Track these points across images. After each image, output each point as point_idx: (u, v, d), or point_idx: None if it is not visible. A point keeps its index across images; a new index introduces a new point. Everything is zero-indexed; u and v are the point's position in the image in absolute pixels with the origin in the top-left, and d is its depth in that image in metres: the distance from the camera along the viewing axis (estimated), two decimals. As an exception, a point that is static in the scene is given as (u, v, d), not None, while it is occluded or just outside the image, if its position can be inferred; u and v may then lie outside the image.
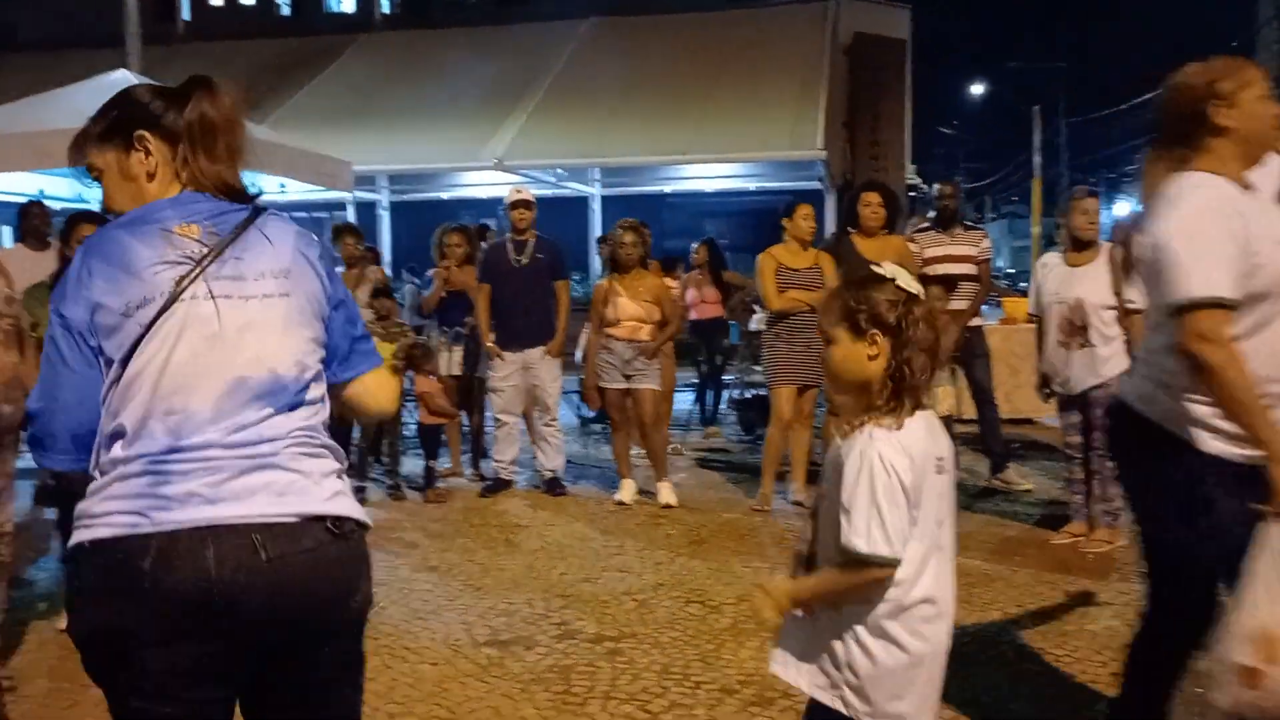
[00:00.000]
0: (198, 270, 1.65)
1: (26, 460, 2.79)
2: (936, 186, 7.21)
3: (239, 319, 1.66)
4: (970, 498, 6.06)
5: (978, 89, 32.29)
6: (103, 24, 13.73)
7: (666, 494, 6.18)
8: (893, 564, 1.85)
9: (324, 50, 15.50)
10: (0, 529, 3.38)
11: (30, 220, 5.85)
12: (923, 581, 1.91)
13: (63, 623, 4.12)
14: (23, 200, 6.62)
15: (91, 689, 3.51)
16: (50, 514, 5.11)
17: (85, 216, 4.16)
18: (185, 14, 18.27)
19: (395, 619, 4.32)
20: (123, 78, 8.23)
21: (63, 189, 9.30)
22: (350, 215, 13.18)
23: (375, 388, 1.94)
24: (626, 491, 6.27)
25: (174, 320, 1.62)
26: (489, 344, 6.49)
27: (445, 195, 14.69)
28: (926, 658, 1.93)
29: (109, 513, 1.56)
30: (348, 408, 1.95)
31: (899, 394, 1.89)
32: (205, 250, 1.67)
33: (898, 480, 1.83)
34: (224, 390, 1.63)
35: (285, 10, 26.97)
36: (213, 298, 1.65)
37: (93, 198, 9.52)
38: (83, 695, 3.52)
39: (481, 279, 6.60)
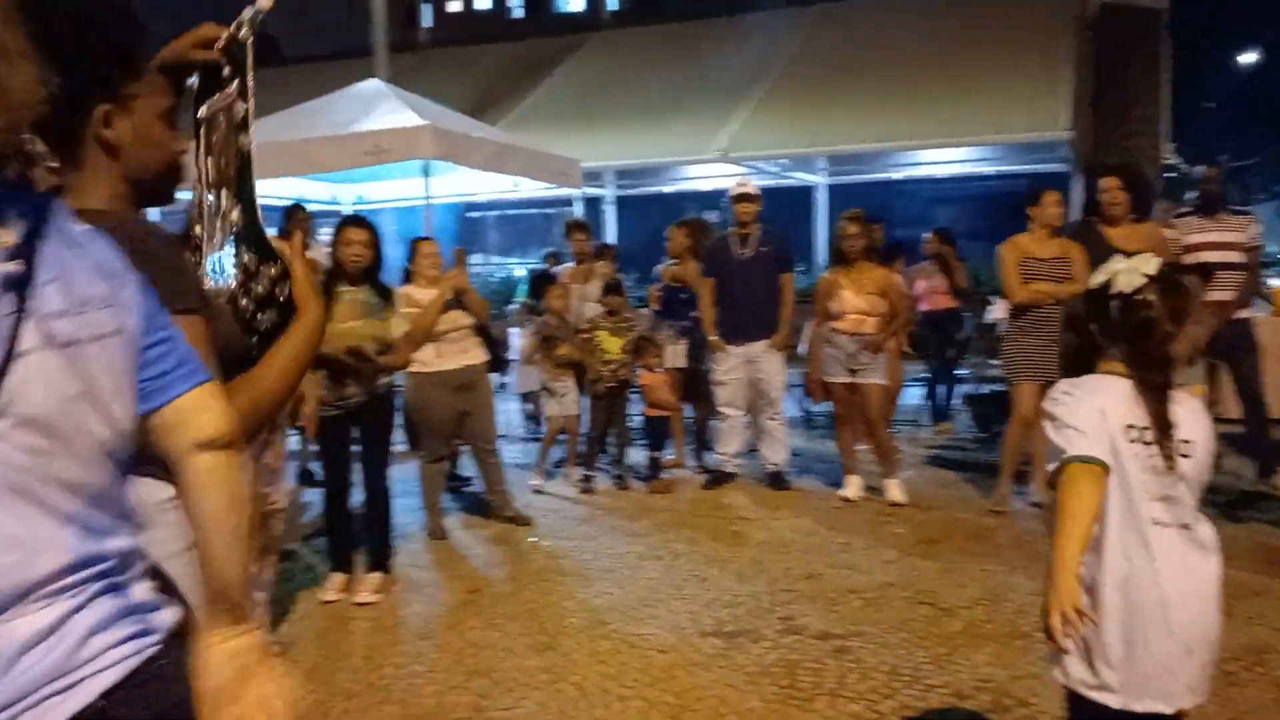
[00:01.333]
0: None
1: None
2: (1199, 169, 6.64)
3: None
4: (1234, 504, 5.57)
5: (1248, 58, 29.48)
6: (354, 36, 14.78)
7: (895, 491, 6.02)
8: None
9: (555, 52, 16.02)
10: (274, 506, 3.70)
11: (295, 222, 6.36)
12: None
13: (326, 594, 4.50)
14: (286, 204, 7.21)
15: (352, 656, 3.77)
16: (313, 494, 5.56)
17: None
18: (428, 21, 19.35)
19: (624, 605, 4.43)
20: (373, 87, 8.83)
21: (321, 192, 10.07)
22: (578, 211, 13.58)
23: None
24: (852, 487, 6.15)
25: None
26: (713, 338, 6.52)
27: (670, 189, 14.87)
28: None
29: None
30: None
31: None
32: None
33: None
34: None
35: (518, 13, 28.03)
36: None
37: (345, 200, 10.28)
38: (344, 662, 3.82)
39: (706, 273, 6.64)
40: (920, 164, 13.79)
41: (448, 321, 5.32)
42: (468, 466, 6.43)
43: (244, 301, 1.73)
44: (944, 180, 15.07)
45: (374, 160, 7.75)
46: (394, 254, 5.61)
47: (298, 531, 5.39)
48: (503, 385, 8.62)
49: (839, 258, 6.22)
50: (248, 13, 1.68)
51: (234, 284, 1.72)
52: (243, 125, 1.69)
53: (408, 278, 5.53)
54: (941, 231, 8.76)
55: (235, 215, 1.71)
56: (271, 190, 8.39)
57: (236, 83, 1.68)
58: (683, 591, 4.60)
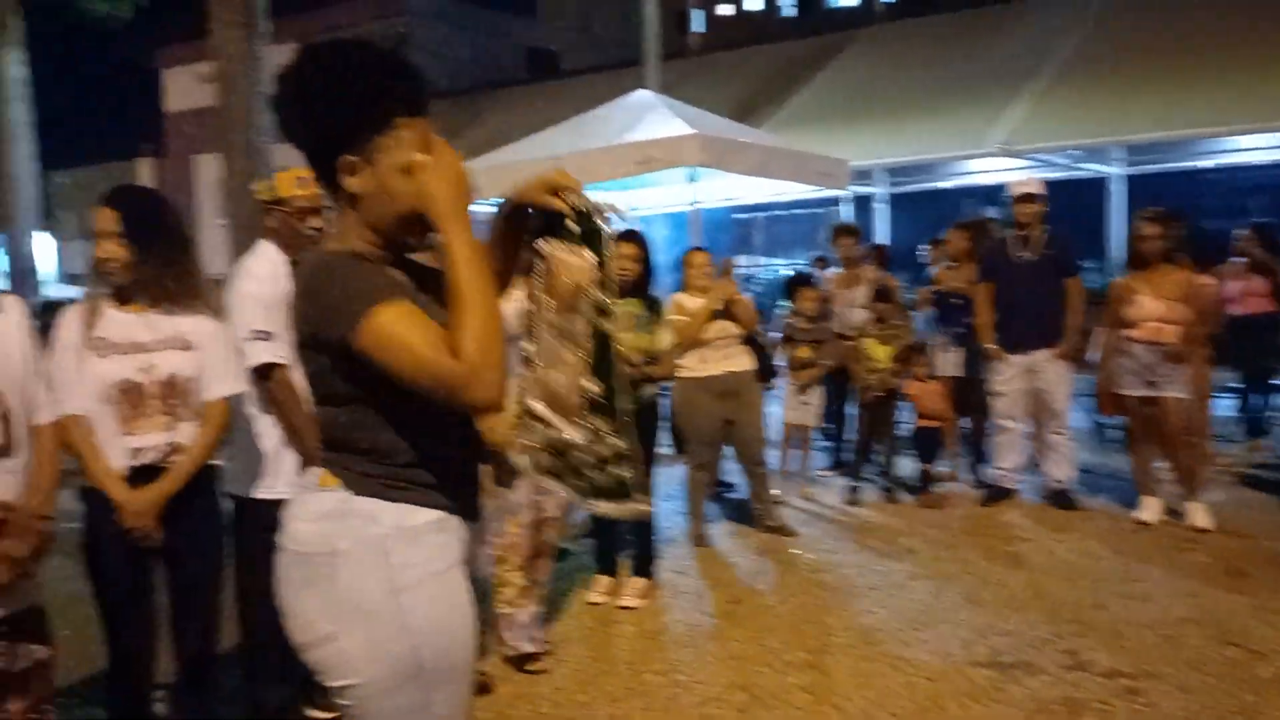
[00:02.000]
0: None
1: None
2: None
3: None
4: None
5: None
6: (626, 48, 15.24)
7: (1199, 515, 5.46)
8: None
9: (825, 50, 15.77)
10: (547, 515, 3.85)
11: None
12: None
13: (593, 596, 4.63)
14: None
15: (616, 661, 3.84)
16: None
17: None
18: (699, 26, 19.61)
19: (890, 626, 4.28)
20: (643, 97, 9.05)
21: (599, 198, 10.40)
22: (847, 213, 13.31)
23: None
24: (1149, 509, 5.64)
25: None
26: (991, 345, 6.18)
27: (945, 184, 14.28)
28: None
29: None
30: None
31: None
32: None
33: None
34: None
35: (789, 12, 27.85)
36: None
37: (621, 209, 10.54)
38: (609, 666, 3.92)
39: (982, 277, 6.30)
40: (1232, 150, 12.47)
41: (715, 330, 5.35)
42: (732, 472, 6.44)
43: (584, 464, 1.79)
44: (1258, 168, 13.55)
45: (644, 169, 7.95)
46: (664, 260, 5.71)
47: (570, 531, 5.59)
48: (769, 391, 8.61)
49: (1136, 260, 5.72)
50: (603, 202, 1.76)
51: (580, 440, 1.77)
52: (603, 311, 1.75)
53: (679, 285, 5.62)
54: (1258, 226, 7.87)
55: (594, 388, 1.76)
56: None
57: (590, 254, 1.75)
58: (954, 615, 4.38)
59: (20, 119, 13.48)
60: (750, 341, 5.58)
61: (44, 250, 26.43)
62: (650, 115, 8.50)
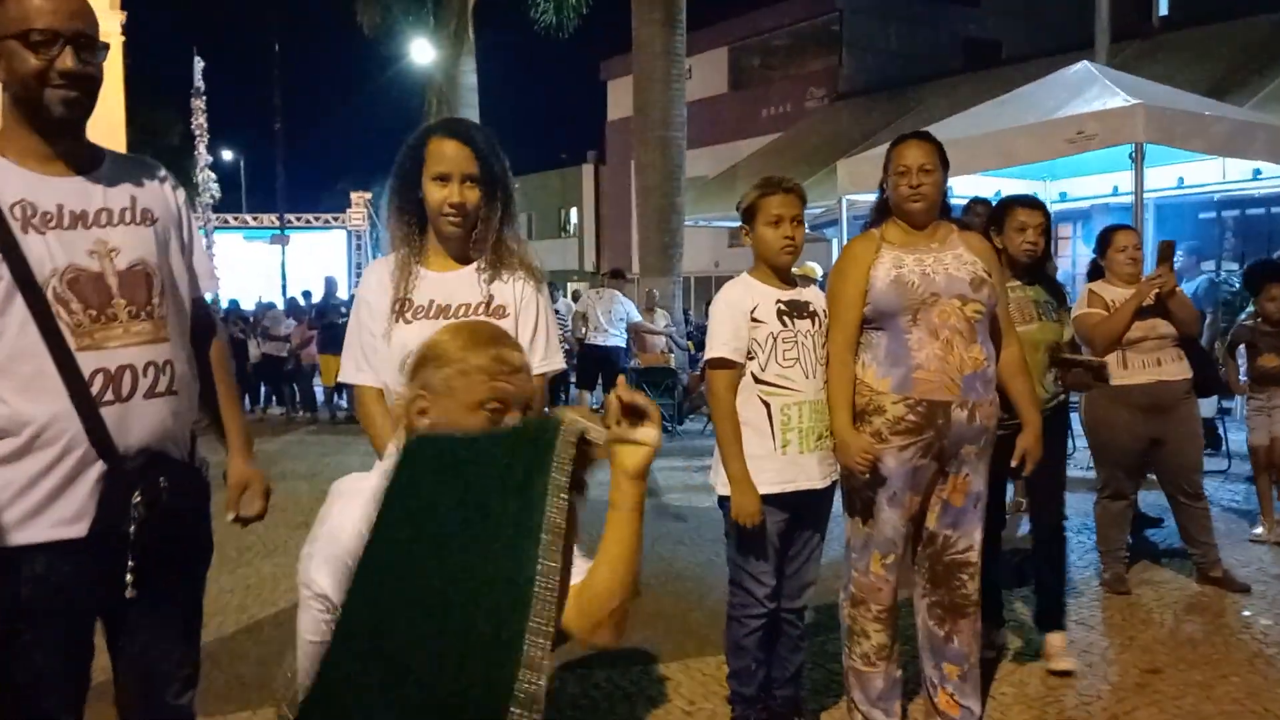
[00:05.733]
0: None
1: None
2: None
3: None
4: None
5: None
6: (1077, 33, 13.71)
7: None
8: None
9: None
10: (957, 555, 3.12)
11: (972, 215, 5.83)
12: None
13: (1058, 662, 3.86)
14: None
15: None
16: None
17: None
18: (1162, 10, 17.35)
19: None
20: (1082, 70, 7.90)
21: (1020, 190, 9.31)
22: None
23: None
24: None
25: None
26: None
27: None
28: None
29: None
30: None
31: None
32: None
33: None
34: None
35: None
36: None
37: (1047, 198, 9.37)
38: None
39: None
40: None
41: (1143, 329, 4.35)
42: (1158, 505, 5.30)
43: None
44: None
45: (1075, 149, 6.90)
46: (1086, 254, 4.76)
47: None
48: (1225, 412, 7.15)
49: None
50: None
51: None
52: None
53: (1095, 273, 4.67)
54: None
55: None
56: (964, 189, 7.90)
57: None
58: None
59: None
60: (1187, 344, 4.49)
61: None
62: (1089, 89, 7.38)
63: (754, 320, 2.87)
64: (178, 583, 1.99)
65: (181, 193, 2.11)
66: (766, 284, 2.94)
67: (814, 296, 3.00)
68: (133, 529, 1.84)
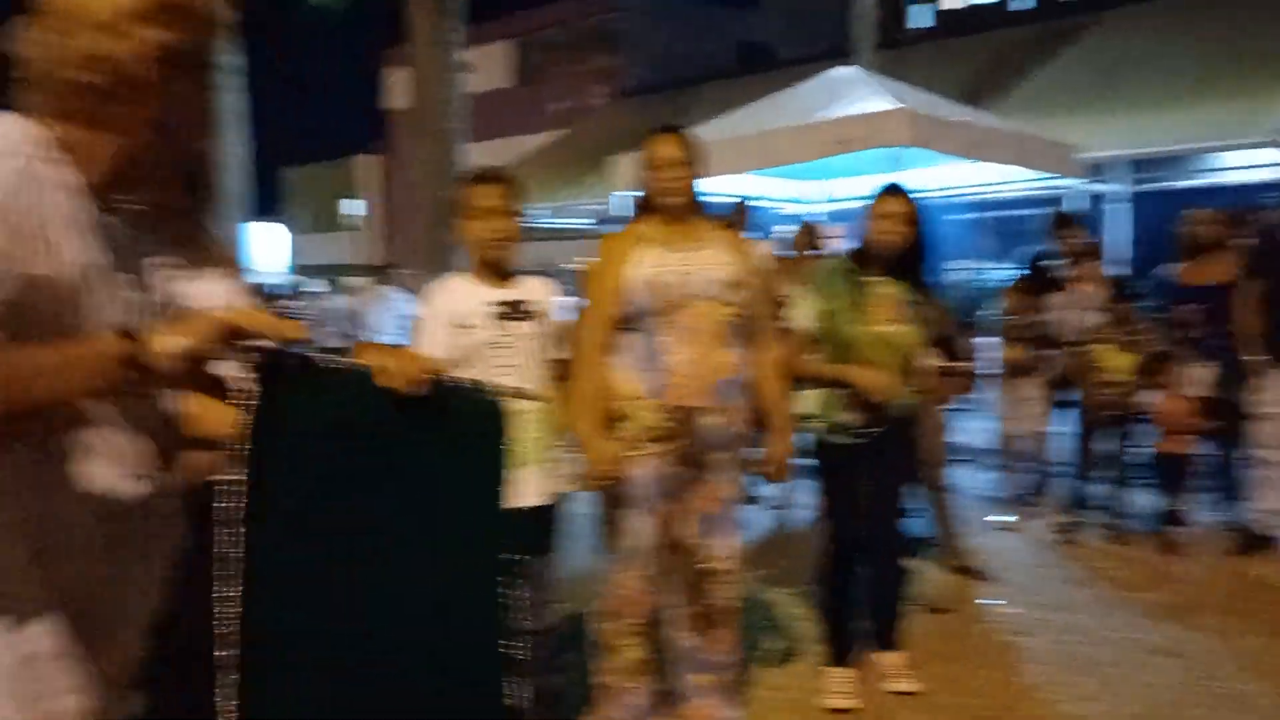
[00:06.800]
0: None
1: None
2: None
3: None
4: None
5: None
6: (845, 39, 14.32)
7: None
8: None
9: (1062, 34, 14.30)
10: (716, 563, 2.89)
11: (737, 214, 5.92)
12: None
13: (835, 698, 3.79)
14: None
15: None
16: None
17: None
18: (926, 20, 18.39)
19: None
20: (844, 73, 8.14)
21: (788, 192, 9.55)
22: (1072, 208, 11.83)
23: None
24: None
25: None
26: (1258, 357, 4.99)
27: (1197, 183, 12.53)
28: None
29: None
30: None
31: None
32: None
33: None
34: None
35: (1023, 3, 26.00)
36: None
37: (815, 198, 9.68)
38: None
39: (1251, 274, 5.10)
40: None
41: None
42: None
43: None
44: None
45: (842, 149, 7.08)
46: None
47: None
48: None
49: None
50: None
51: None
52: None
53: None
54: None
55: None
56: (735, 190, 7.99)
57: None
58: (1214, 712, 3.33)
59: (232, 108, 14.01)
60: (945, 343, 4.64)
61: (274, 241, 28.11)
62: (853, 91, 7.61)
63: (460, 327, 2.65)
64: None
65: None
66: (479, 283, 2.73)
67: (539, 294, 2.78)
68: None
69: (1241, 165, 11.42)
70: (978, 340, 6.02)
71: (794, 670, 3.66)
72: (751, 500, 4.80)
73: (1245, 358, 5.04)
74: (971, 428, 6.67)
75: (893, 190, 3.44)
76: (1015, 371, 5.65)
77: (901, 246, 3.36)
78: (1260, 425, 5.03)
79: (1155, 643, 3.93)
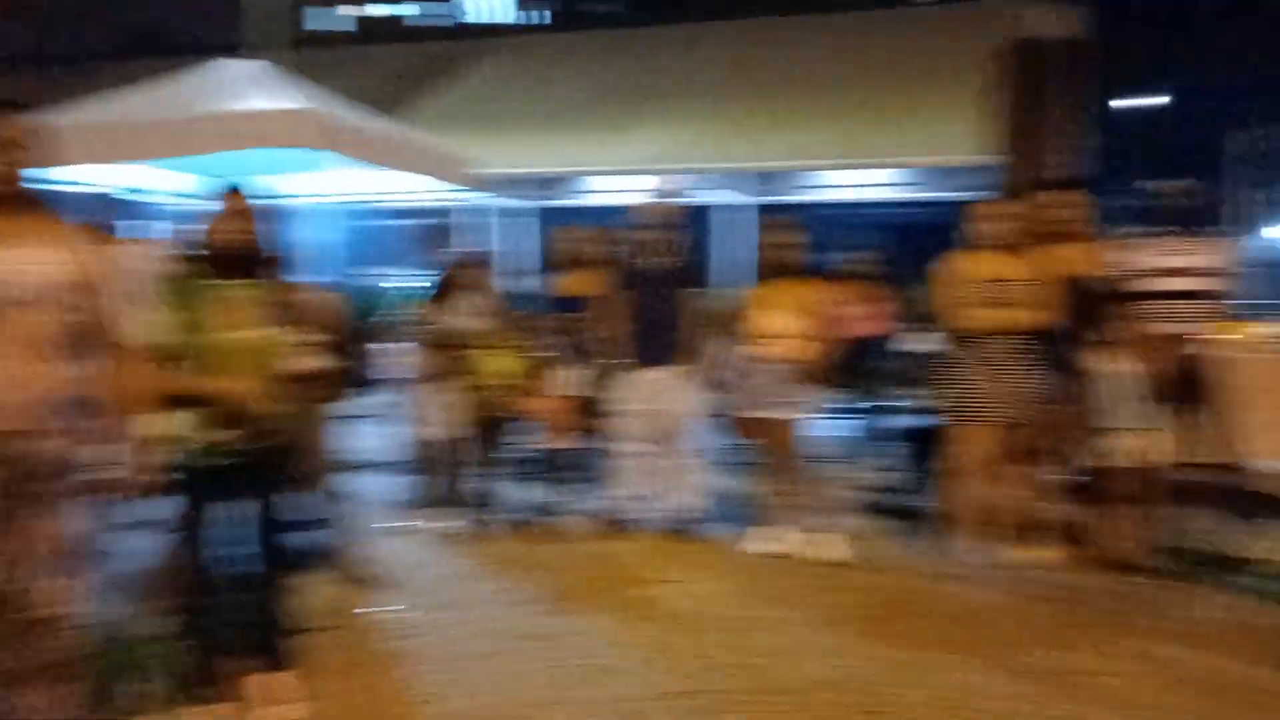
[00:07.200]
0: None
1: None
2: (1158, 184, 5.89)
3: None
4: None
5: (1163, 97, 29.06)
6: (234, 32, 13.65)
7: (834, 547, 5.17)
8: None
9: (461, 55, 15.05)
10: (49, 611, 2.56)
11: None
12: None
13: None
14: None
15: None
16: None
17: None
18: (340, 25, 18.26)
19: (498, 714, 3.41)
20: (247, 68, 7.66)
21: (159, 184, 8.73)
22: (461, 221, 12.53)
23: None
24: (769, 540, 5.27)
25: None
26: (613, 360, 5.62)
27: (576, 203, 13.97)
28: None
29: None
30: None
31: None
32: None
33: None
34: None
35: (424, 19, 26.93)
36: None
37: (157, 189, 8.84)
38: None
39: (610, 287, 5.73)
40: (835, 186, 13.17)
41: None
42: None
43: None
44: (865, 205, 14.49)
45: (240, 145, 6.65)
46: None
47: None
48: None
49: (764, 272, 5.43)
50: None
51: None
52: None
53: None
54: (862, 253, 8.13)
55: None
56: (96, 179, 7.13)
57: None
58: (574, 691, 3.59)
59: None
60: (336, 347, 4.58)
61: None
62: (258, 87, 7.18)
63: None
64: None
65: None
66: None
67: None
68: None
69: (612, 189, 12.97)
70: (385, 345, 6.07)
71: (169, 715, 3.30)
72: (127, 527, 4.26)
73: (612, 361, 5.63)
74: (382, 433, 6.67)
75: (232, 190, 3.32)
76: (426, 376, 5.78)
77: (248, 246, 3.23)
78: (616, 420, 5.64)
79: (525, 629, 4.17)
